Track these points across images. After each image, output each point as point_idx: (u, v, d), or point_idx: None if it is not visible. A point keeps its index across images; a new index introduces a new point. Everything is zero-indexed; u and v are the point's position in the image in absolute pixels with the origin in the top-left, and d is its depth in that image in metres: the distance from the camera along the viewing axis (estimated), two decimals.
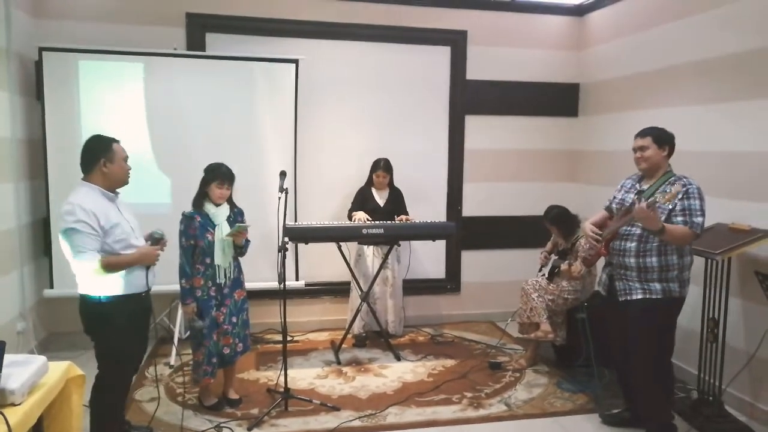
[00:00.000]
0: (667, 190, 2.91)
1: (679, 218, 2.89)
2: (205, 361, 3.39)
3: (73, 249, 2.63)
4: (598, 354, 3.74)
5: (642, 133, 3.09)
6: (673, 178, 2.99)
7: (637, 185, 3.15)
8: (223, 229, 3.38)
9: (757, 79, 3.46)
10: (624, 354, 3.17)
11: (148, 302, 2.97)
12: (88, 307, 2.77)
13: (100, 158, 2.75)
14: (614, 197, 3.28)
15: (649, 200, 2.80)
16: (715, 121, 3.79)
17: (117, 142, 2.85)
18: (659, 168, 3.05)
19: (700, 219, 2.87)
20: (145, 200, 4.33)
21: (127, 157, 2.88)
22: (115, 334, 2.79)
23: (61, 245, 2.70)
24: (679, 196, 2.89)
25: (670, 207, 2.90)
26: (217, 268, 3.38)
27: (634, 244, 3.00)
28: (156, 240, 2.92)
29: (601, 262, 3.38)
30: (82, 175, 2.81)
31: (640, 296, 3.01)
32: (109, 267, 2.68)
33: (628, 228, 3.02)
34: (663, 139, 3.03)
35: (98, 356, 2.86)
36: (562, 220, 4.16)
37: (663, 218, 2.89)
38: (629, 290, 3.05)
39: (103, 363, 2.85)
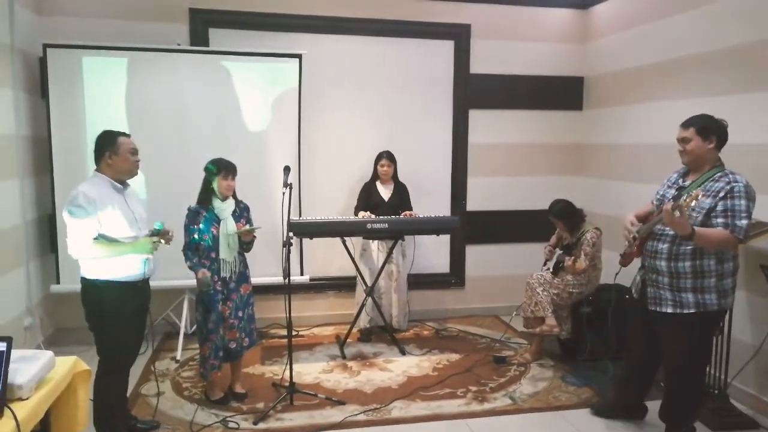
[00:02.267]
0: (709, 187, 2.66)
1: (720, 220, 2.59)
2: (212, 356, 3.41)
3: (70, 231, 2.77)
4: (602, 347, 3.75)
5: (685, 123, 2.80)
6: (718, 174, 2.69)
7: (680, 180, 2.90)
8: (228, 224, 3.40)
9: (762, 72, 3.44)
10: (647, 354, 3.11)
11: (147, 292, 3.04)
12: (86, 290, 2.88)
13: (106, 151, 2.88)
14: (657, 192, 3.03)
15: (677, 202, 2.52)
16: (721, 113, 3.71)
17: (125, 135, 2.96)
18: (705, 162, 2.75)
19: (743, 222, 2.55)
20: (151, 194, 4.35)
21: (134, 149, 2.96)
22: (112, 320, 2.86)
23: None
24: (722, 194, 2.61)
25: (710, 205, 2.63)
26: (221, 262, 3.39)
27: (666, 246, 2.76)
28: (155, 232, 2.95)
29: (607, 260, 3.35)
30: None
31: (669, 310, 2.79)
32: (103, 252, 2.79)
33: (663, 228, 2.76)
34: (709, 129, 2.72)
35: (96, 341, 2.94)
36: (567, 213, 4.15)
37: (700, 219, 2.64)
38: (659, 300, 2.84)
39: (101, 349, 2.93)
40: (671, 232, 2.73)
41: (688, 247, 2.70)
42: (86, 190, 2.78)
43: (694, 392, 2.98)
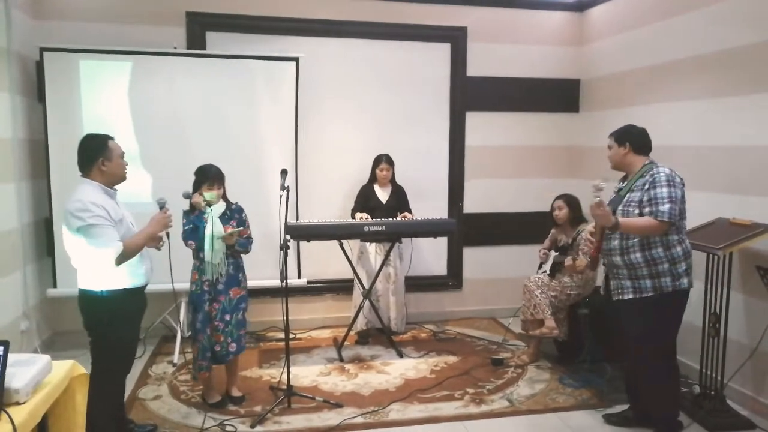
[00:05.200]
0: (638, 183, 2.94)
1: (646, 209, 2.88)
2: (199, 356, 3.43)
3: (97, 243, 2.67)
4: (601, 349, 3.76)
5: (610, 134, 3.13)
6: (646, 171, 2.97)
7: (620, 184, 3.15)
8: (213, 227, 3.39)
9: (756, 74, 3.46)
10: (626, 353, 3.17)
11: (145, 298, 3.03)
12: (89, 302, 2.81)
13: (98, 157, 2.79)
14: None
15: (597, 199, 2.84)
16: (716, 115, 3.78)
17: (112, 139, 2.88)
18: (625, 165, 3.07)
19: (665, 207, 2.82)
20: (146, 199, 4.34)
21: (123, 153, 2.92)
22: (114, 329, 2.82)
23: (71, 242, 2.73)
24: (646, 186, 2.90)
25: (639, 198, 2.90)
26: (206, 264, 3.39)
27: (616, 242, 3.00)
28: (161, 206, 2.98)
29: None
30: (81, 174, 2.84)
31: (630, 296, 3.00)
32: (131, 248, 2.76)
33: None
34: (623, 137, 3.06)
35: (94, 351, 2.88)
36: (576, 203, 4.19)
37: (636, 211, 2.91)
38: (621, 289, 3.04)
39: (100, 358, 2.86)
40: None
41: (635, 240, 2.94)
42: (92, 199, 2.70)
43: (662, 381, 3.05)
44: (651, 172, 2.93)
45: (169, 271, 3.03)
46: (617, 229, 2.87)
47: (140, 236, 2.85)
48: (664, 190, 2.85)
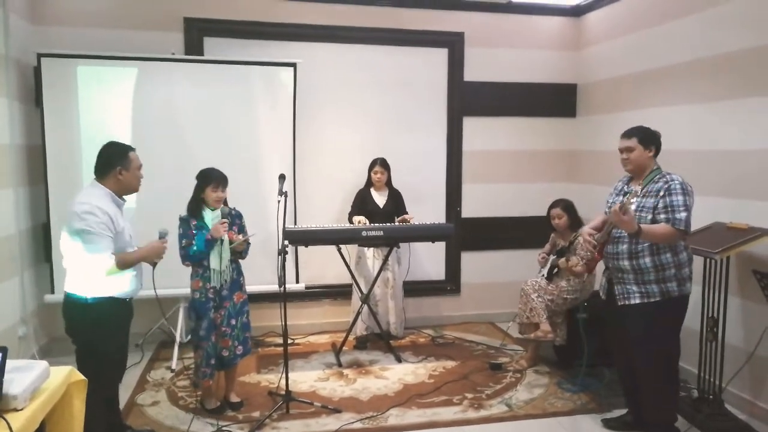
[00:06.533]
0: (651, 189, 2.90)
1: (662, 216, 2.86)
2: (203, 363, 3.40)
3: (90, 249, 2.69)
4: (599, 353, 3.76)
5: (627, 134, 3.04)
6: (657, 176, 2.96)
7: (626, 187, 3.14)
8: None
9: (753, 78, 3.48)
10: (626, 358, 3.16)
11: (131, 309, 3.01)
12: (74, 307, 2.80)
13: (116, 166, 2.82)
14: (607, 201, 3.24)
15: (621, 203, 2.78)
16: (712, 119, 3.80)
17: (133, 150, 2.91)
18: (645, 168, 3.02)
19: (682, 215, 2.82)
20: (145, 205, 4.34)
21: (141, 165, 2.94)
22: (98, 337, 2.80)
23: (67, 243, 2.74)
24: (661, 193, 2.87)
25: (653, 204, 2.87)
26: (212, 271, 3.38)
27: (625, 246, 2.97)
28: (162, 236, 2.97)
29: (601, 266, 3.37)
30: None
31: (637, 300, 2.98)
32: (121, 264, 2.77)
33: (620, 230, 2.96)
34: (649, 139, 2.99)
35: (79, 359, 2.85)
36: (573, 209, 4.20)
37: (649, 217, 2.88)
38: (627, 294, 3.02)
39: (85, 366, 2.78)
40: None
41: (645, 245, 2.92)
42: (100, 205, 2.72)
43: (665, 386, 3.06)
44: (665, 179, 2.92)
45: (167, 276, 3.03)
46: (639, 236, 2.81)
47: (133, 256, 2.86)
48: (680, 198, 2.84)
